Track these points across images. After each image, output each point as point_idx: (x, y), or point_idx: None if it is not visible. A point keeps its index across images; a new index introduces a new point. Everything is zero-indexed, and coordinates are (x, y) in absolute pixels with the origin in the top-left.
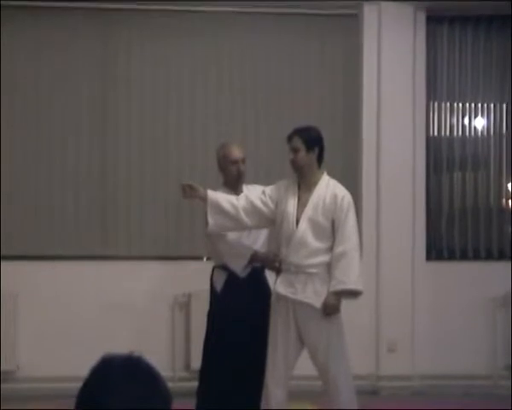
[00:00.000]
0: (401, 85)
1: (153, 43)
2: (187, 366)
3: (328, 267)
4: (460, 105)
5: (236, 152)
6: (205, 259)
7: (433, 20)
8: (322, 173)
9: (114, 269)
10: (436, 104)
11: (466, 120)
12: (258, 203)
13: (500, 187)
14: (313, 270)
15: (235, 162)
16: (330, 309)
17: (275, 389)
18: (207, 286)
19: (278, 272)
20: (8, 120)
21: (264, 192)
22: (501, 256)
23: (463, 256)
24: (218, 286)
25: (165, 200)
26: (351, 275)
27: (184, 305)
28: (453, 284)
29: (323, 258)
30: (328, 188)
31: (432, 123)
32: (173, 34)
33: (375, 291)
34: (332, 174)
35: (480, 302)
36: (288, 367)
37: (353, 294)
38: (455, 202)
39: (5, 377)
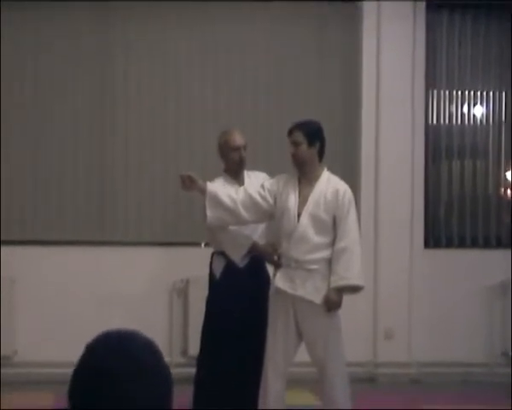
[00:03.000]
0: (400, 73)
1: (150, 35)
2: (184, 352)
3: (329, 263)
4: (459, 93)
5: (238, 138)
6: (203, 245)
7: (432, 8)
8: (323, 168)
9: (112, 254)
10: (435, 92)
11: (465, 109)
12: (257, 198)
13: (499, 175)
14: (314, 266)
15: (237, 149)
16: (332, 305)
17: (274, 381)
18: (206, 272)
19: (276, 265)
20: (8, 110)
21: (263, 186)
22: (499, 244)
23: (461, 244)
24: (217, 272)
25: (164, 185)
26: (352, 270)
27: (182, 291)
28: (451, 271)
29: (324, 253)
30: (329, 183)
31: (431, 111)
32: (170, 25)
33: (372, 278)
34: (331, 163)
35: (477, 290)
36: (286, 361)
37: (355, 289)
38: (453, 190)
39: (3, 362)
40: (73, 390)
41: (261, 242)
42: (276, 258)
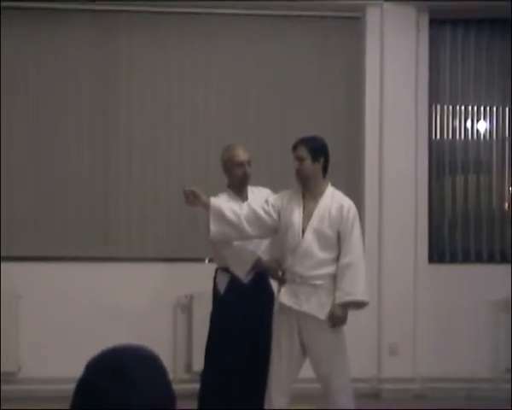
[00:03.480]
0: (404, 88)
1: (154, 45)
2: (188, 368)
3: (334, 279)
4: (462, 108)
5: (242, 154)
6: (207, 260)
7: (435, 23)
8: (327, 184)
9: (116, 270)
10: (439, 107)
11: (468, 124)
12: (261, 213)
13: (502, 190)
14: (318, 281)
15: (241, 164)
16: (337, 321)
17: (277, 398)
18: (209, 288)
19: (281, 281)
20: (9, 121)
21: (267, 201)
22: (503, 259)
23: (466, 259)
24: (221, 288)
25: (167, 201)
26: (358, 286)
27: (186, 306)
28: (455, 286)
29: (329, 269)
30: (333, 199)
31: (434, 126)
32: (175, 36)
33: (377, 293)
34: (334, 177)
35: (482, 305)
36: (290, 377)
37: (360, 305)
38: (457, 205)
39: (6, 378)
40: (74, 408)
41: (265, 257)
42: (280, 274)
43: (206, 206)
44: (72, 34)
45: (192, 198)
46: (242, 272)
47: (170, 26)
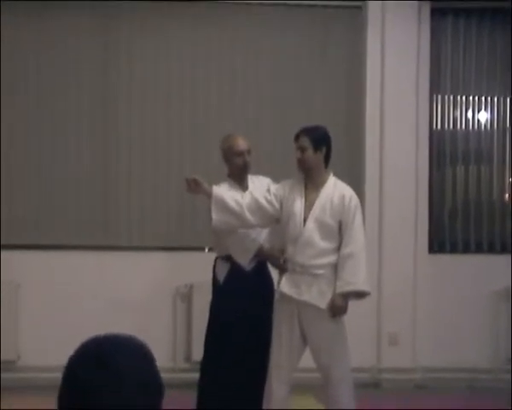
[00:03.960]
0: (405, 78)
1: (154, 36)
2: (188, 358)
3: (335, 268)
4: (464, 98)
5: (242, 143)
6: (207, 249)
7: (437, 13)
8: (329, 173)
9: (116, 259)
10: (440, 97)
11: (469, 114)
12: (263, 202)
13: (503, 180)
14: (319, 271)
15: (241, 154)
16: (337, 311)
17: (278, 387)
18: (209, 277)
19: (282, 269)
20: (10, 112)
21: (269, 190)
22: (503, 249)
23: (466, 249)
24: (221, 277)
25: (167, 190)
26: (358, 276)
27: (186, 296)
28: (455, 276)
29: (330, 258)
30: (335, 188)
31: (435, 116)
32: (175, 26)
33: (376, 283)
34: (335, 167)
35: (482, 295)
36: (291, 366)
37: (360, 295)
38: (458, 195)
39: (6, 366)
40: (60, 400)
41: (264, 246)
42: (281, 262)
43: (208, 194)
44: (72, 24)
45: (194, 186)
46: (245, 260)
47: (170, 16)
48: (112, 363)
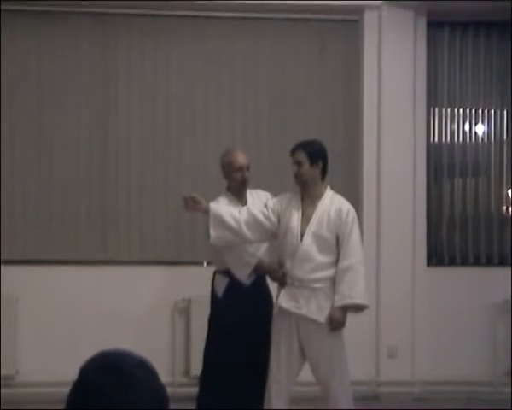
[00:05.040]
0: (401, 91)
1: (153, 49)
2: (187, 372)
3: (333, 282)
4: (461, 111)
5: (241, 159)
6: (205, 264)
7: (433, 26)
8: (326, 187)
9: (114, 274)
10: (437, 110)
11: (466, 127)
12: (261, 217)
13: (500, 193)
14: (318, 285)
15: (241, 169)
16: (336, 324)
17: (277, 401)
18: (208, 291)
19: (281, 283)
20: (9, 125)
21: (266, 206)
22: (502, 262)
23: (464, 262)
24: (220, 291)
25: (166, 204)
26: (357, 290)
27: (184, 310)
28: (454, 289)
29: (328, 272)
30: (332, 202)
31: (432, 129)
32: (174, 40)
33: (375, 296)
34: (333, 181)
35: (480, 308)
36: (290, 380)
37: (359, 308)
38: (455, 208)
39: (4, 381)
40: (69, 406)
41: (263, 260)
42: (280, 275)
43: (206, 212)
44: (72, 36)
45: (192, 204)
46: (244, 275)
47: (168, 29)
48: (124, 369)
